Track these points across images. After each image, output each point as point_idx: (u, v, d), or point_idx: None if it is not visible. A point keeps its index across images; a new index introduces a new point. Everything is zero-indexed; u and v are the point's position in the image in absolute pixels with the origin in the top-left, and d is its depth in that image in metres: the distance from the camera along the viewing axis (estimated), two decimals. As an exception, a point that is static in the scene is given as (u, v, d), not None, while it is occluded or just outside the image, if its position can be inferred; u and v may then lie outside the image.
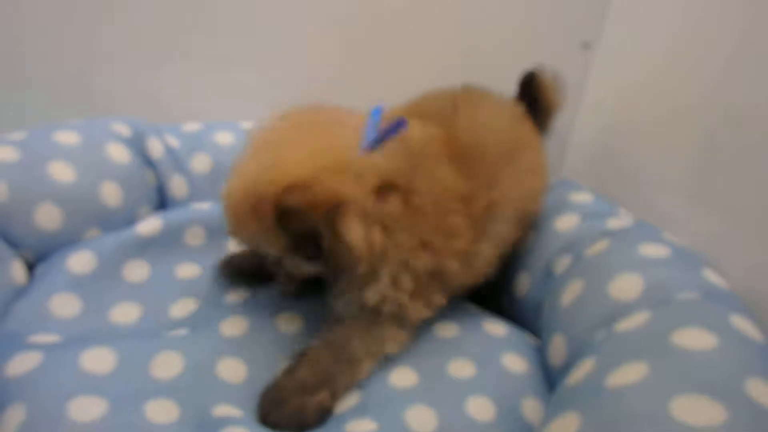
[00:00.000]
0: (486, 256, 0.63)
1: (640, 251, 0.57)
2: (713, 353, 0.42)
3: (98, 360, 0.54)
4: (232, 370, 0.58)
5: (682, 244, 0.59)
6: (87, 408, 0.48)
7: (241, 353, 0.59)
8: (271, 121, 0.57)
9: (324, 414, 0.55)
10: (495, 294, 0.74)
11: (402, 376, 0.58)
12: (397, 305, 0.57)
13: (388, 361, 0.59)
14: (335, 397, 0.56)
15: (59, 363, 0.52)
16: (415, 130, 0.58)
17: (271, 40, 0.93)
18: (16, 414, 0.47)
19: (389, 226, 0.52)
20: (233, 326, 0.62)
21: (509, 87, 0.83)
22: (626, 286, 0.54)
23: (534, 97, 0.78)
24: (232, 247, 0.76)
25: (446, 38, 0.94)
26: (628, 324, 0.49)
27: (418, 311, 0.58)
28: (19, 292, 0.63)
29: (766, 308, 0.55)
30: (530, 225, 0.71)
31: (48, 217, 0.67)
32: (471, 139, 0.62)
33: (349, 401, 0.56)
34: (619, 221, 0.65)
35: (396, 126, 0.54)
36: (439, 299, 0.60)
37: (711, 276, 0.54)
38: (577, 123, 0.95)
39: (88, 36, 0.89)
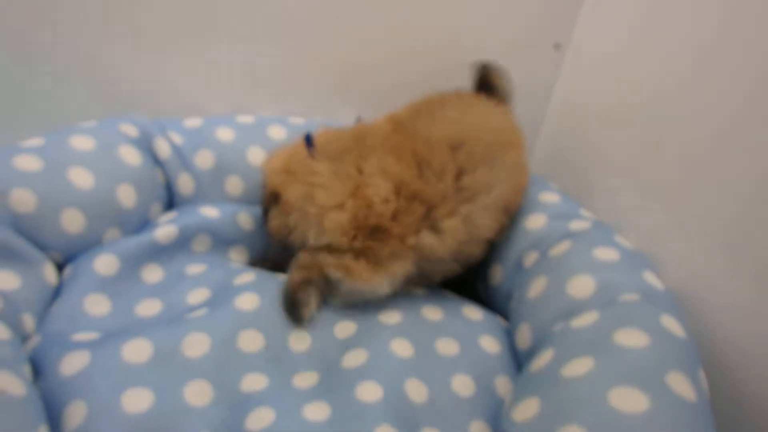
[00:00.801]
0: (457, 231, 0.74)
1: (594, 254, 0.68)
2: (644, 350, 0.53)
3: (137, 351, 0.62)
4: (251, 340, 0.67)
5: (630, 247, 0.70)
6: (137, 400, 0.57)
7: (257, 324, 0.68)
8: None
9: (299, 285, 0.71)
10: (472, 281, 0.85)
11: (401, 346, 0.68)
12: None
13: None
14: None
15: (105, 358, 0.61)
16: (379, 128, 0.78)
17: (270, 32, 0.98)
18: (78, 410, 0.55)
19: (297, 206, 0.75)
20: (247, 301, 0.70)
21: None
22: (581, 285, 0.65)
23: (490, 86, 0.90)
24: (233, 256, 0.85)
25: (423, 39, 1.00)
26: (581, 322, 0.61)
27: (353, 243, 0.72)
28: (54, 292, 0.71)
29: (698, 297, 0.67)
30: (512, 216, 0.81)
31: (72, 222, 0.74)
32: (439, 134, 0.75)
33: (357, 360, 0.66)
34: (581, 223, 0.75)
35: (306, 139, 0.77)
36: (403, 254, 0.72)
37: (650, 278, 0.65)
38: (546, 119, 1.04)
39: (93, 27, 0.94)
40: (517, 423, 0.54)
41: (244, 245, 0.87)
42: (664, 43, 0.78)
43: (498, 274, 0.80)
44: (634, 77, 0.84)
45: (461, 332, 0.72)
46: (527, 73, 1.01)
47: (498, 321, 0.77)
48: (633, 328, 0.56)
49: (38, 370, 0.60)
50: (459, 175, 0.74)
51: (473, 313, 0.76)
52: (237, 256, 0.86)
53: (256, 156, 0.92)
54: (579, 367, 0.54)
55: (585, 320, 0.60)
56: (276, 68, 1.02)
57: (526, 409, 0.54)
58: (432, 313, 0.75)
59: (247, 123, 0.96)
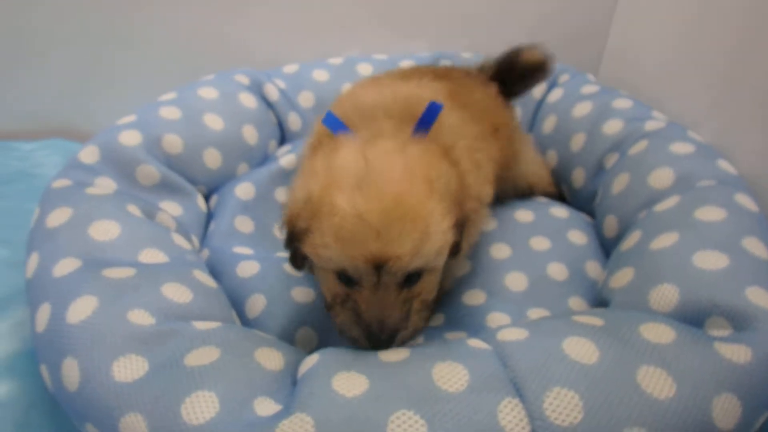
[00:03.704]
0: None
1: (671, 149, 0.76)
2: (722, 222, 0.63)
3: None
4: None
5: (703, 141, 0.78)
6: (304, 294, 0.71)
7: None
8: None
9: None
10: (557, 185, 0.95)
11: (499, 250, 0.79)
12: None
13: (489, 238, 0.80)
14: None
15: (272, 265, 0.74)
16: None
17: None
18: (259, 301, 0.69)
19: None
20: None
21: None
22: (661, 177, 0.74)
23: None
24: None
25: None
26: (663, 206, 0.70)
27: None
28: (207, 218, 0.86)
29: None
30: None
31: (212, 159, 0.88)
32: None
33: (462, 270, 0.78)
34: (655, 123, 0.83)
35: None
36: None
37: (723, 165, 0.73)
38: (614, 23, 1.10)
39: None
40: (615, 289, 0.65)
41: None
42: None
43: (580, 177, 0.90)
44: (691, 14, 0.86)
45: (550, 229, 0.83)
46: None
47: (583, 217, 0.87)
48: (711, 206, 0.65)
49: (215, 274, 0.75)
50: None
51: (560, 212, 0.87)
52: None
53: (349, 91, 1.04)
54: (665, 240, 0.64)
55: (667, 204, 0.70)
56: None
57: (622, 278, 0.65)
58: (524, 216, 0.86)
59: (338, 64, 1.07)
